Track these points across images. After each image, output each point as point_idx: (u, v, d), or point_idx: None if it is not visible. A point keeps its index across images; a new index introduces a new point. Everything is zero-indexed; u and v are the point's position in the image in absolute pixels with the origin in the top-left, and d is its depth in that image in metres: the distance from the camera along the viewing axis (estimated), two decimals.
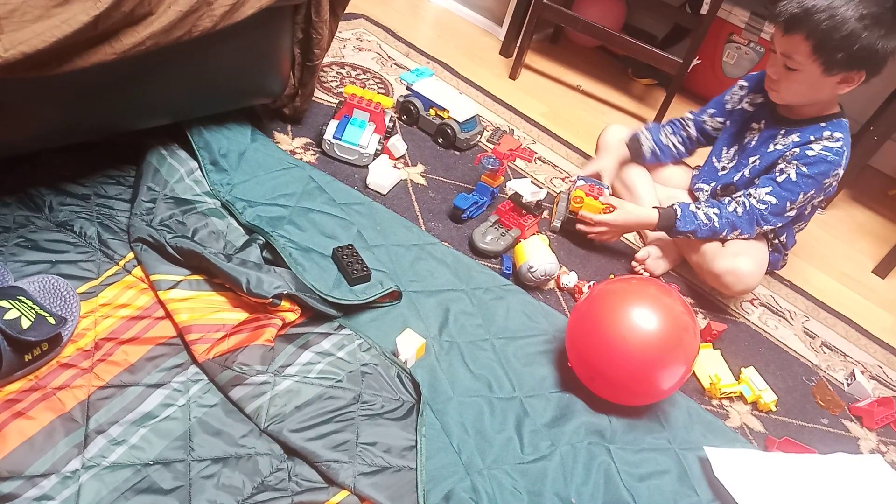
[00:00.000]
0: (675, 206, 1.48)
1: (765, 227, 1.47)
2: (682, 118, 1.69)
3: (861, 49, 1.27)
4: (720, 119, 1.63)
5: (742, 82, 1.59)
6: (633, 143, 1.68)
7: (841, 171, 1.42)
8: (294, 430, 0.96)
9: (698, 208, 1.47)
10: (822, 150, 1.39)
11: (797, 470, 1.15)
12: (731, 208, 1.46)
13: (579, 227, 1.53)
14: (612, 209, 1.50)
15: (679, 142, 1.69)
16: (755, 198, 1.44)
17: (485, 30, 2.53)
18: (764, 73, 1.46)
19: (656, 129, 1.70)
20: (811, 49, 1.30)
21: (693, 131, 1.67)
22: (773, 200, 1.43)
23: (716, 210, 1.46)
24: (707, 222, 1.45)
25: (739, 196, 1.47)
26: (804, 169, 1.40)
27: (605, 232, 1.52)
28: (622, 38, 2.10)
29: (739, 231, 1.46)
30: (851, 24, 1.25)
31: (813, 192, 1.43)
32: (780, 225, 1.48)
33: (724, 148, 1.61)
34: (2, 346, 0.88)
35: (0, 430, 0.86)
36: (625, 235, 1.66)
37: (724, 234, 1.46)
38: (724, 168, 1.60)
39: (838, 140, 1.39)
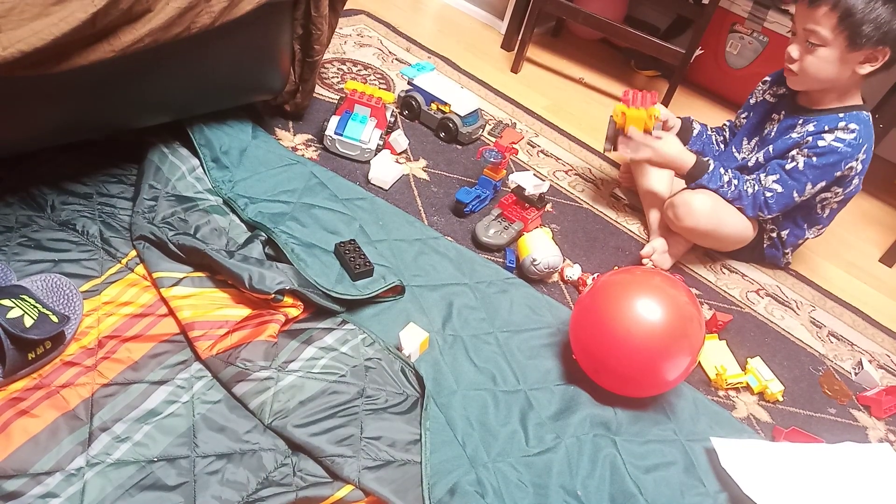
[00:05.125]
0: (709, 161, 1.48)
1: (765, 216, 1.47)
2: (723, 124, 1.73)
3: (886, 22, 1.26)
4: (745, 115, 1.64)
5: (766, 78, 1.60)
6: (685, 122, 1.67)
7: (857, 164, 1.40)
8: (298, 425, 0.96)
9: (725, 171, 1.48)
10: (833, 140, 1.37)
11: (805, 460, 1.15)
12: (745, 186, 1.47)
13: (620, 148, 1.51)
14: (656, 119, 1.46)
15: (721, 140, 1.71)
16: (763, 184, 1.45)
17: (486, 24, 2.52)
18: None
19: (703, 126, 1.72)
20: (837, 20, 1.28)
21: (728, 134, 1.70)
22: (779, 189, 1.43)
23: (736, 181, 1.47)
24: (727, 186, 1.47)
25: (752, 177, 1.47)
26: (813, 159, 1.39)
27: (644, 155, 1.49)
28: (624, 29, 2.09)
29: (743, 207, 1.47)
30: None
31: (823, 183, 1.41)
32: (777, 215, 1.49)
33: (745, 139, 1.61)
34: (5, 344, 0.89)
35: (4, 429, 0.86)
36: (630, 227, 1.65)
37: (731, 199, 1.47)
38: (743, 158, 1.59)
39: (853, 131, 1.37)
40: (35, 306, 0.94)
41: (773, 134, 1.52)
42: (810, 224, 1.55)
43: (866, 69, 1.33)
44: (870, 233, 2.01)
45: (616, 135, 1.51)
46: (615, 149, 1.53)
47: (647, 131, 1.48)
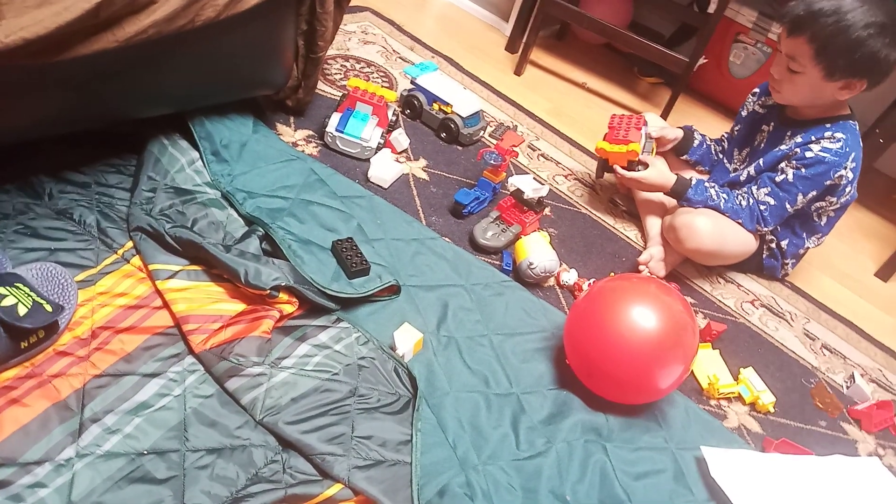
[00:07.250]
0: (691, 178, 1.52)
1: (763, 229, 1.48)
2: (721, 136, 1.74)
3: (863, 57, 1.27)
4: (738, 128, 1.66)
5: (755, 89, 1.62)
6: (687, 131, 1.70)
7: (847, 173, 1.41)
8: (289, 422, 0.96)
9: (711, 187, 1.50)
10: (820, 150, 1.39)
11: (794, 471, 1.15)
12: (737, 200, 1.48)
13: (616, 176, 1.59)
14: (635, 154, 1.53)
15: (720, 150, 1.72)
16: (755, 197, 1.47)
17: (490, 25, 2.52)
18: None
19: (704, 136, 1.74)
20: (813, 53, 1.30)
21: (726, 145, 1.71)
22: (772, 201, 1.45)
23: (725, 195, 1.49)
24: (715, 199, 1.49)
25: (744, 191, 1.49)
26: (802, 170, 1.41)
27: (636, 184, 1.58)
28: (628, 35, 2.09)
29: (741, 221, 1.48)
30: (856, 31, 1.25)
31: (814, 193, 1.43)
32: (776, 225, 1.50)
33: (736, 150, 1.64)
34: None
35: None
36: (627, 234, 1.66)
37: (727, 213, 1.49)
38: (735, 170, 1.62)
39: (839, 140, 1.39)
40: (29, 295, 0.94)
41: (762, 145, 1.55)
42: (809, 233, 1.56)
43: (845, 95, 1.36)
44: (866, 246, 2.01)
45: (605, 165, 1.62)
46: (609, 172, 1.64)
47: (631, 162, 1.55)
